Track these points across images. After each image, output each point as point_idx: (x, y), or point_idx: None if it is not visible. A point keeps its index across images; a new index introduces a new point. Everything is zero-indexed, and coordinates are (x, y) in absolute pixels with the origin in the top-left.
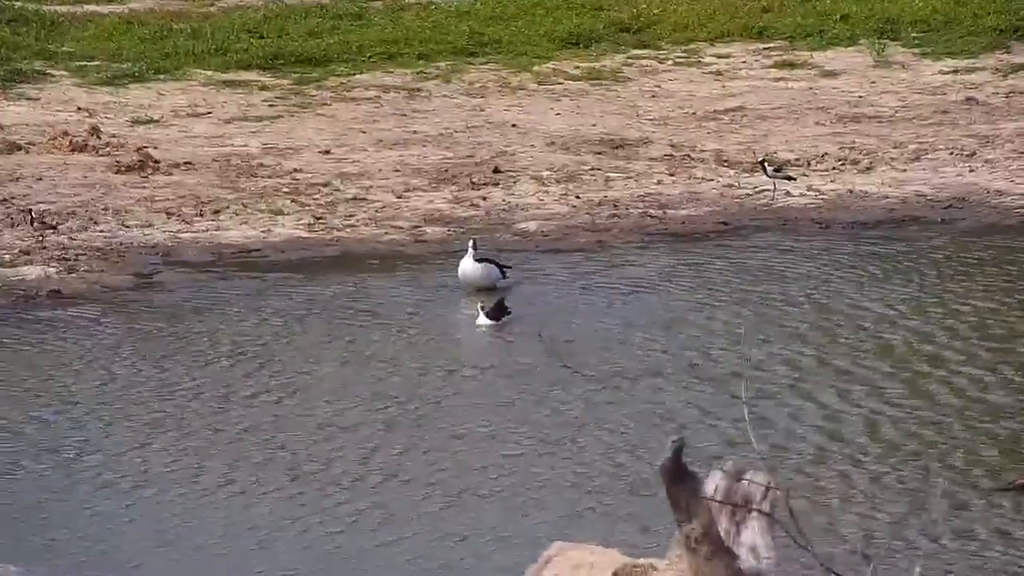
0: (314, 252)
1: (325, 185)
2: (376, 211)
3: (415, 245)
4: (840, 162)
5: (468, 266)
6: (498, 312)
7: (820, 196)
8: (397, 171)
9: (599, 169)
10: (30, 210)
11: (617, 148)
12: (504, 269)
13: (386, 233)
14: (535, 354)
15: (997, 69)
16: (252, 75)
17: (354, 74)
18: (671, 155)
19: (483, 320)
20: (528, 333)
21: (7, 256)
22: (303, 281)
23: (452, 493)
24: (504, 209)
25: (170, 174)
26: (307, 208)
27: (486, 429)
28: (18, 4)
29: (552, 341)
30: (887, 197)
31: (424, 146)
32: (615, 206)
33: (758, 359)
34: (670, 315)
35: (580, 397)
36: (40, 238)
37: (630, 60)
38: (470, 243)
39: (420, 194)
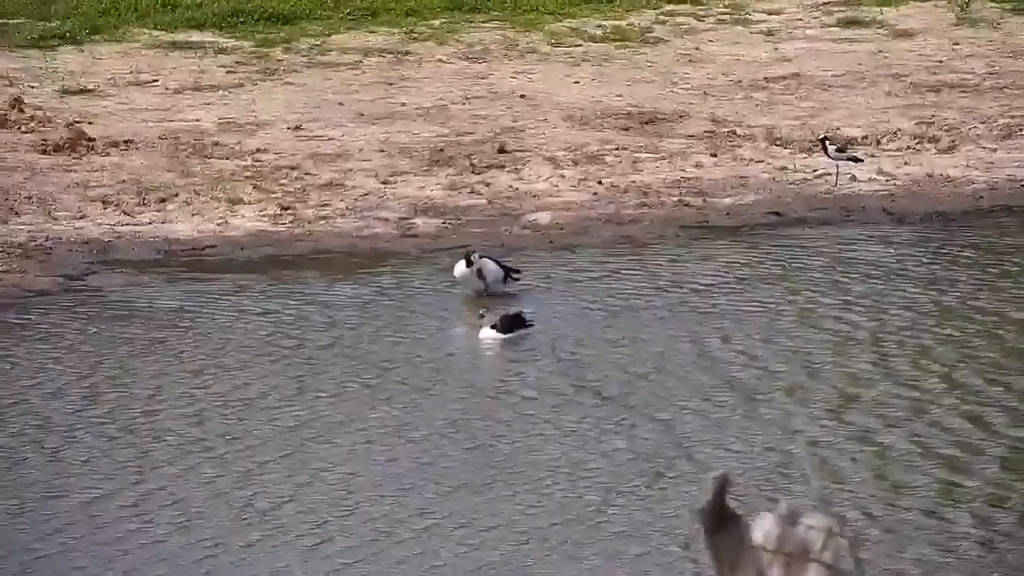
0: (281, 249)
1: (294, 168)
2: (356, 200)
3: (403, 241)
4: (916, 140)
5: (462, 267)
6: (510, 324)
7: (892, 181)
8: (381, 151)
9: (625, 149)
10: None
11: (647, 124)
12: (512, 273)
13: (368, 226)
14: (550, 377)
15: None
16: (206, 35)
17: (329, 34)
18: (712, 132)
19: (488, 333)
20: (542, 352)
21: None
22: (268, 284)
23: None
24: (511, 197)
25: (107, 155)
26: (272, 196)
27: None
28: None
29: (568, 362)
30: (973, 183)
31: (414, 121)
32: (645, 193)
33: (839, 388)
34: (713, 330)
35: (608, 431)
36: None
37: (663, 17)
38: (472, 256)
39: (409, 179)
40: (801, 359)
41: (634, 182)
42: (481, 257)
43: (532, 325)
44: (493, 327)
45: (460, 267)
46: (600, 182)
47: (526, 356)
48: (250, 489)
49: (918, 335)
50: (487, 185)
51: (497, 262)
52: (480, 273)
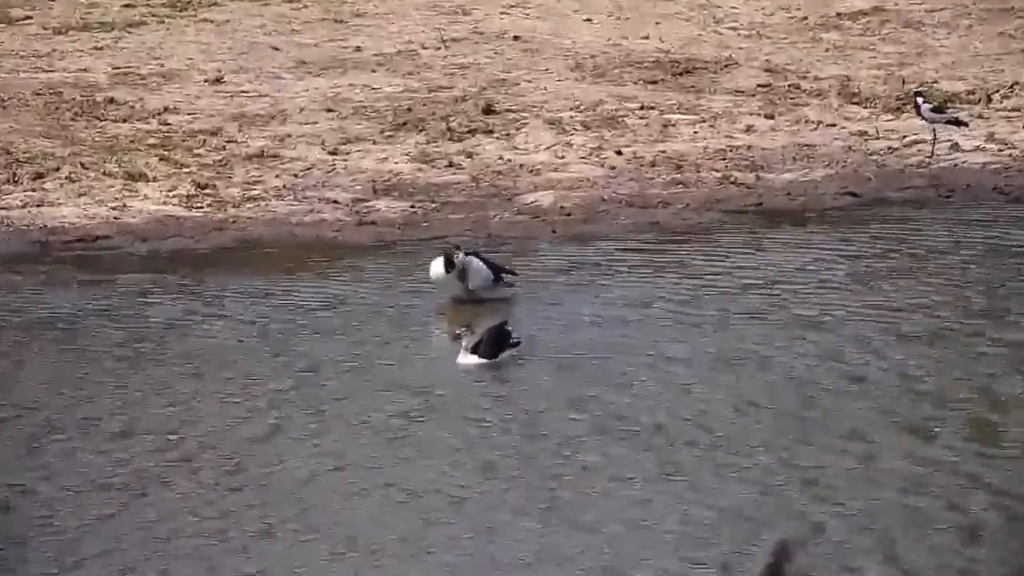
0: (196, 241)
1: (214, 134)
2: (296, 176)
3: (359, 230)
4: None
5: (444, 265)
6: (494, 345)
7: (1007, 151)
8: (330, 112)
9: (653, 108)
10: None
11: (682, 75)
12: (503, 274)
13: (312, 211)
14: (556, 421)
15: None
16: None
17: None
18: (768, 86)
19: (468, 358)
20: (541, 386)
21: None
22: (177, 288)
23: None
24: (501, 173)
25: None
26: (185, 171)
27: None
28: None
29: (581, 399)
30: None
31: (373, 72)
32: (678, 167)
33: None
34: (775, 354)
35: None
36: None
37: None
38: (454, 254)
39: (367, 149)
40: (966, 387)
41: (664, 152)
42: (466, 254)
43: (519, 343)
44: (474, 350)
45: (437, 266)
46: (619, 152)
47: (521, 393)
48: None
49: None
50: (470, 156)
51: (485, 260)
52: (463, 274)
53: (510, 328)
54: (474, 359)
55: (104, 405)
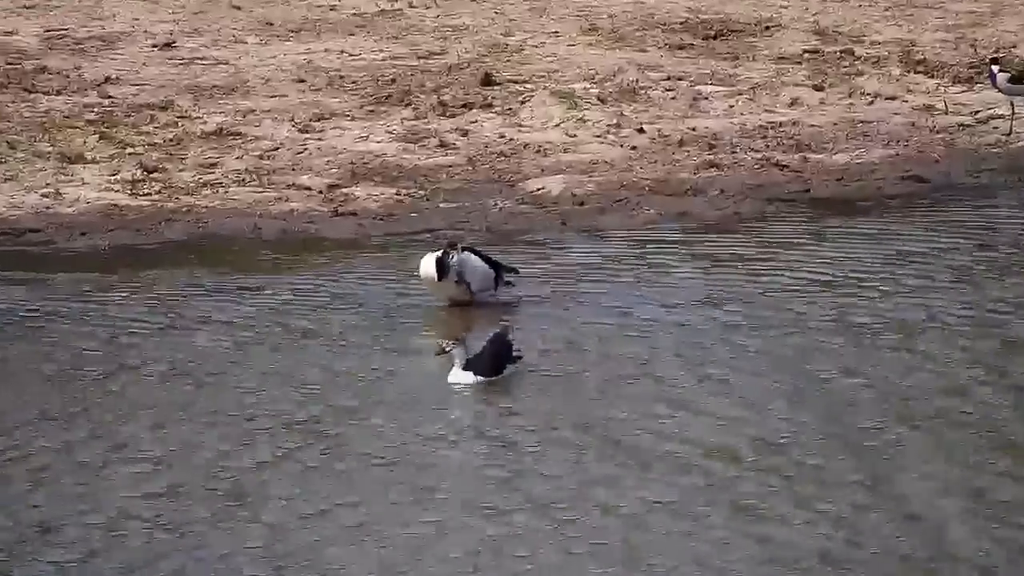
0: (142, 235)
1: (164, 108)
2: (261, 158)
3: (335, 223)
4: None
5: (436, 264)
6: (495, 360)
7: None
8: (300, 82)
9: (681, 78)
10: None
11: (715, 39)
12: (503, 273)
13: (280, 199)
14: (567, 454)
15: None
16: None
17: None
18: (817, 51)
19: (461, 375)
20: (548, 408)
21: None
22: (122, 290)
23: None
24: (502, 154)
25: None
26: (130, 152)
27: None
28: None
29: (600, 426)
30: None
31: (350, 36)
32: (712, 147)
33: None
34: (830, 373)
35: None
36: None
37: None
38: (450, 252)
39: (344, 126)
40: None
41: (694, 130)
42: (463, 250)
43: (520, 357)
44: (467, 366)
45: (428, 265)
46: (642, 129)
47: (527, 418)
48: None
49: None
50: (465, 135)
51: (486, 258)
52: (460, 275)
53: (512, 340)
54: (469, 376)
55: (24, 434)
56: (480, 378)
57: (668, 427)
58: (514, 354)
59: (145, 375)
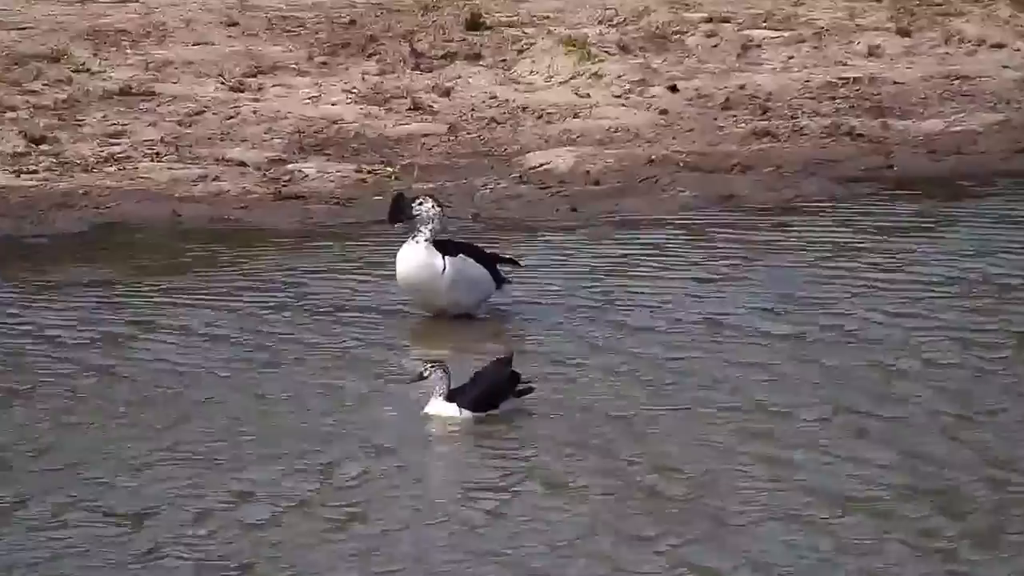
0: (26, 225)
1: (55, 60)
2: (182, 124)
3: (277, 208)
4: None
5: (418, 258)
6: (486, 392)
7: None
8: (231, 26)
9: (726, 20)
10: None
11: None
12: (502, 272)
13: (205, 178)
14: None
15: None
16: None
17: None
18: None
19: (442, 407)
20: (559, 450)
21: None
22: (3, 292)
23: None
24: (494, 119)
25: None
26: (10, 117)
27: None
28: None
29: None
30: None
31: None
32: (764, 110)
33: None
34: (994, 403)
35: None
36: None
37: None
38: (429, 214)
39: (288, 83)
40: None
41: (743, 88)
42: (455, 249)
43: (531, 390)
44: (452, 397)
45: (410, 260)
46: (674, 88)
47: (517, 477)
48: None
49: None
50: (446, 95)
51: (479, 254)
52: (454, 281)
53: (514, 367)
54: (451, 409)
55: None
56: (466, 412)
57: (772, 496)
58: (520, 385)
59: (33, 411)
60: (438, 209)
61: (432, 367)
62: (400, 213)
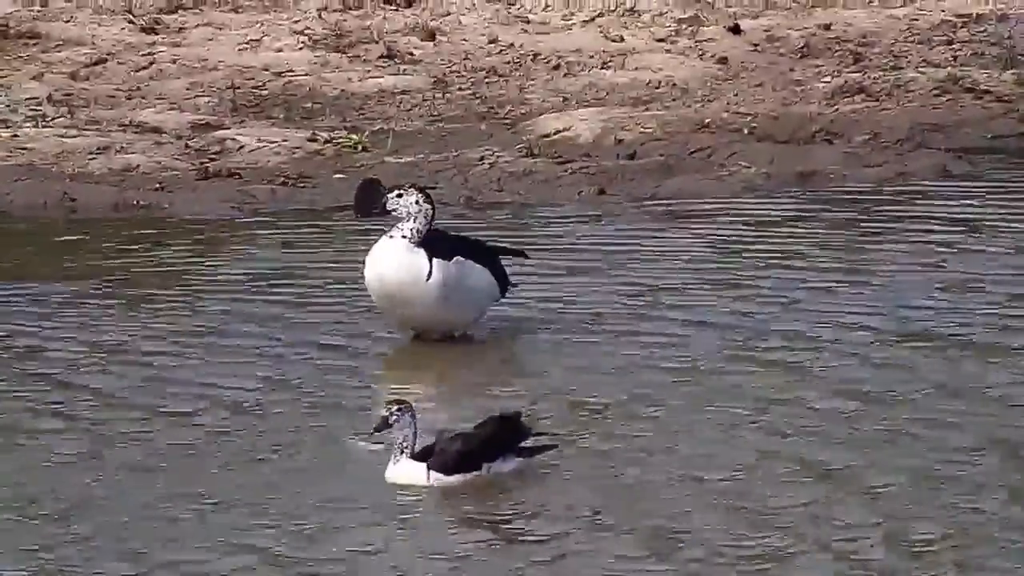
0: None
1: None
2: (75, 77)
3: (201, 189)
4: None
5: (396, 258)
6: (477, 446)
7: None
8: None
9: None
10: None
11: None
12: (503, 268)
13: (108, 148)
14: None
15: None
16: None
17: None
18: None
19: (406, 470)
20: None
21: None
22: None
23: None
24: (493, 70)
25: None
26: None
27: None
28: None
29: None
30: None
31: None
32: (856, 58)
33: None
34: None
35: None
36: None
37: None
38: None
39: (220, 20)
40: None
41: (828, 28)
42: (447, 246)
43: (553, 447)
44: (423, 455)
45: (389, 255)
46: (736, 28)
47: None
48: None
49: None
50: (431, 38)
51: (481, 251)
52: (444, 293)
53: (511, 411)
54: (419, 472)
55: None
56: (438, 476)
57: None
58: (525, 440)
59: None
60: (426, 206)
61: (400, 411)
62: (371, 204)
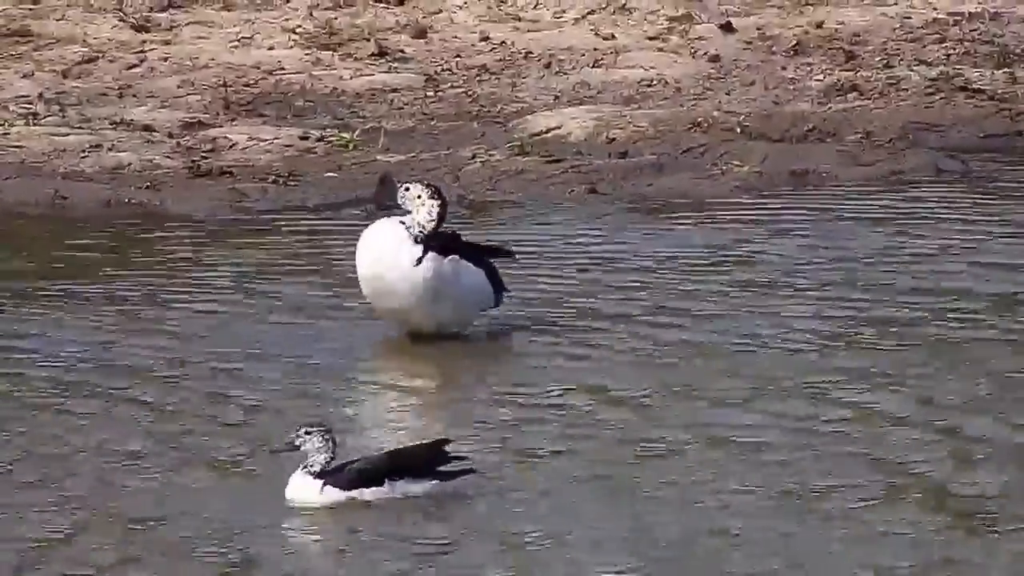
0: None
1: None
2: (66, 75)
3: (192, 188)
4: None
5: (387, 239)
6: (387, 464)
7: None
8: None
9: None
10: None
11: None
12: (499, 274)
13: (99, 146)
14: None
15: None
16: None
17: None
18: None
19: (300, 485)
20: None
21: None
22: None
23: None
24: (485, 67)
25: None
26: None
27: None
28: None
29: None
30: None
31: None
32: (850, 56)
33: None
34: None
35: None
36: None
37: None
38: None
39: (210, 18)
40: None
41: (821, 27)
42: (447, 243)
43: (470, 472)
44: (322, 472)
45: (381, 236)
46: (728, 26)
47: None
48: None
49: None
50: (422, 35)
51: (477, 252)
52: (435, 288)
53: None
54: (312, 490)
55: None
56: (335, 492)
57: None
58: (450, 465)
59: None
60: (430, 201)
61: (311, 433)
62: (387, 197)
